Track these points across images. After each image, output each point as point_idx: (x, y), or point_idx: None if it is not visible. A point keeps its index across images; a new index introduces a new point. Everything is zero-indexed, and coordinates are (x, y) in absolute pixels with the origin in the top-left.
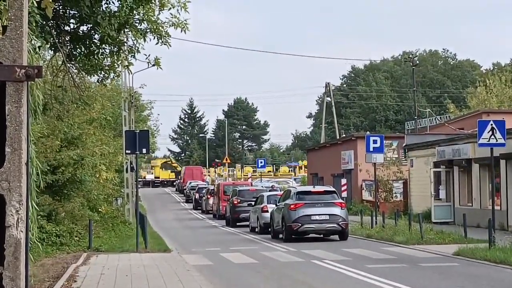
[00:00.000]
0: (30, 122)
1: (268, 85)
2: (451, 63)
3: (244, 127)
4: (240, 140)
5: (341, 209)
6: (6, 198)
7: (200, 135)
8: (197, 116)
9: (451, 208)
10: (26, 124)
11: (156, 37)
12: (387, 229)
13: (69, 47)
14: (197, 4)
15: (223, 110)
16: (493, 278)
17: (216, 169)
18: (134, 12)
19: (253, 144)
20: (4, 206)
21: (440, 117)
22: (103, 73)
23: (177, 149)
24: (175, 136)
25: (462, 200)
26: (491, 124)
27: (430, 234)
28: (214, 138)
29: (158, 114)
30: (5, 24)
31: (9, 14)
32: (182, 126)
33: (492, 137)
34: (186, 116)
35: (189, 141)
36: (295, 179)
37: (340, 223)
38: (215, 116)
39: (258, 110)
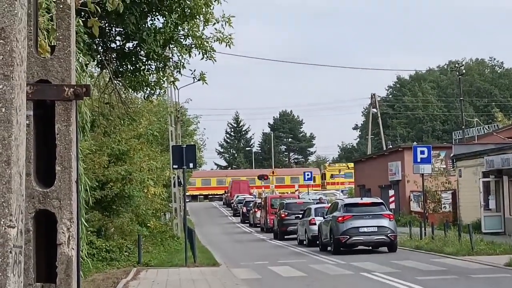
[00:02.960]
0: (79, 140)
1: (313, 98)
2: (498, 71)
3: (290, 139)
4: (286, 153)
5: (390, 220)
6: (57, 216)
7: (246, 148)
8: (243, 129)
9: (501, 218)
10: (75, 142)
11: (201, 52)
12: (436, 240)
13: (115, 64)
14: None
15: (268, 123)
16: None
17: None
18: (179, 28)
19: (300, 157)
20: (55, 224)
21: (488, 126)
22: (149, 89)
23: (223, 163)
24: (222, 150)
25: None
26: None
27: (480, 245)
28: (260, 151)
29: (204, 129)
30: (53, 43)
31: (57, 34)
32: (228, 140)
33: None
34: (232, 129)
35: (236, 155)
36: (342, 191)
37: (388, 235)
38: (261, 129)
39: (304, 123)
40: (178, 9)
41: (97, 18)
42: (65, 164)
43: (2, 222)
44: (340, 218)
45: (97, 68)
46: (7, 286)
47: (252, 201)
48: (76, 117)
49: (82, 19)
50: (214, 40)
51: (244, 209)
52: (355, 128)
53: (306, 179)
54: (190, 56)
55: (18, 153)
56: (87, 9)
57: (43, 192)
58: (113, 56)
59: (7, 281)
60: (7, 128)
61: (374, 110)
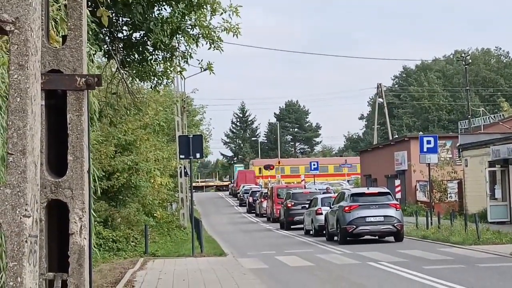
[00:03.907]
0: (90, 130)
1: (319, 88)
2: (504, 61)
3: (296, 129)
4: (292, 143)
5: (396, 210)
6: (70, 206)
7: (252, 138)
8: (249, 119)
9: (507, 207)
10: (87, 132)
11: (208, 42)
12: (442, 230)
13: (122, 54)
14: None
15: (274, 113)
16: None
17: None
18: (186, 17)
19: (306, 147)
20: (68, 214)
21: (494, 116)
22: (156, 79)
23: (229, 153)
24: (228, 140)
25: None
26: None
27: (486, 234)
28: (266, 141)
29: (210, 119)
30: (63, 34)
31: (69, 23)
32: (234, 130)
33: None
34: (238, 120)
35: (242, 145)
36: (348, 181)
37: (395, 225)
38: (267, 119)
39: (310, 113)
40: None
41: (105, 8)
42: (77, 154)
43: (17, 212)
44: (346, 208)
45: (104, 58)
46: (22, 275)
47: (259, 191)
48: (88, 107)
49: (89, 9)
50: (222, 30)
51: (251, 199)
52: (361, 118)
53: (312, 168)
54: (197, 46)
55: (33, 142)
56: None
57: (55, 182)
58: (120, 46)
59: (22, 270)
60: (22, 118)
61: (380, 100)
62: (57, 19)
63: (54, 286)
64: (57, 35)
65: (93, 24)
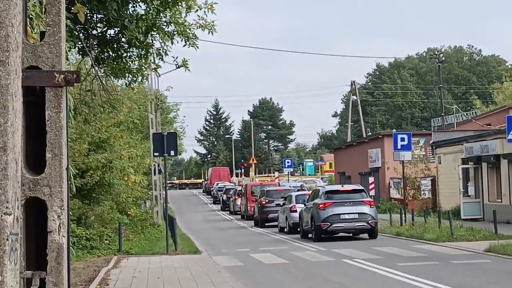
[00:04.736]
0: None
1: (293, 85)
2: (476, 59)
3: (269, 127)
4: (266, 141)
5: (370, 207)
6: (48, 203)
7: (226, 136)
8: (223, 117)
9: (480, 204)
10: (65, 129)
11: (183, 39)
12: (416, 227)
13: (97, 51)
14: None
15: (248, 111)
16: None
17: (241, 170)
18: (161, 14)
19: (279, 144)
20: (46, 212)
21: (467, 114)
22: (131, 76)
23: (203, 151)
24: (201, 138)
25: (491, 197)
26: None
27: (460, 231)
28: (240, 139)
29: (184, 116)
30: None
31: (47, 19)
32: (208, 128)
33: None
34: (212, 117)
35: (215, 143)
36: (322, 179)
37: (369, 222)
38: (241, 117)
39: (283, 110)
40: None
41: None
42: (56, 151)
43: None
44: (321, 205)
45: (78, 55)
46: (3, 274)
47: (233, 188)
48: (66, 104)
49: (65, 5)
50: (197, 27)
51: (224, 197)
52: (335, 115)
53: (287, 166)
54: (172, 43)
55: (14, 139)
56: None
57: (33, 179)
58: (95, 43)
59: (3, 269)
60: (3, 114)
61: (354, 97)
62: (32, 16)
63: (32, 284)
64: (31, 32)
65: (68, 20)
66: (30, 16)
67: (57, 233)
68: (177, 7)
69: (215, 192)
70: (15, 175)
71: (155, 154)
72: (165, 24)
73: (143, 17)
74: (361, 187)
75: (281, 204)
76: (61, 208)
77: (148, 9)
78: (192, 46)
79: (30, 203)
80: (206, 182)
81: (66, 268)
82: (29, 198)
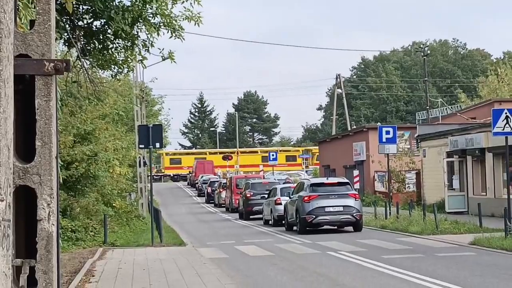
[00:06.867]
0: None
1: (278, 78)
2: (461, 52)
3: (254, 120)
4: (251, 134)
5: (355, 200)
6: (38, 191)
7: (211, 129)
8: (207, 110)
9: (465, 198)
10: (55, 117)
11: (169, 31)
12: (401, 220)
13: (83, 42)
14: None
15: (233, 104)
16: (511, 267)
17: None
18: (147, 6)
19: (264, 137)
20: (35, 200)
21: (452, 107)
22: (117, 67)
23: (188, 143)
24: (186, 130)
25: (475, 190)
26: (506, 113)
27: (444, 224)
28: (224, 131)
29: (169, 109)
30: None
31: (37, 8)
32: (192, 120)
33: (507, 125)
34: (197, 110)
35: (200, 135)
36: (307, 172)
37: (354, 215)
38: (225, 109)
39: (268, 103)
40: None
41: None
42: (45, 139)
43: None
44: (306, 198)
45: (64, 46)
46: None
47: (217, 181)
48: (56, 92)
49: None
50: (183, 19)
51: (209, 189)
52: (320, 108)
53: (271, 159)
54: (158, 34)
55: (7, 126)
56: None
57: (23, 168)
58: (81, 34)
59: None
60: None
61: (339, 90)
62: (19, 6)
63: (22, 272)
64: (20, 22)
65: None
66: (18, 7)
67: (46, 221)
68: None
69: (200, 185)
70: (7, 161)
71: (140, 146)
72: (151, 15)
73: (129, 8)
74: (346, 180)
75: (266, 196)
76: (51, 197)
77: (134, 0)
78: (178, 38)
79: (20, 191)
80: (191, 174)
81: (56, 257)
82: (18, 186)
